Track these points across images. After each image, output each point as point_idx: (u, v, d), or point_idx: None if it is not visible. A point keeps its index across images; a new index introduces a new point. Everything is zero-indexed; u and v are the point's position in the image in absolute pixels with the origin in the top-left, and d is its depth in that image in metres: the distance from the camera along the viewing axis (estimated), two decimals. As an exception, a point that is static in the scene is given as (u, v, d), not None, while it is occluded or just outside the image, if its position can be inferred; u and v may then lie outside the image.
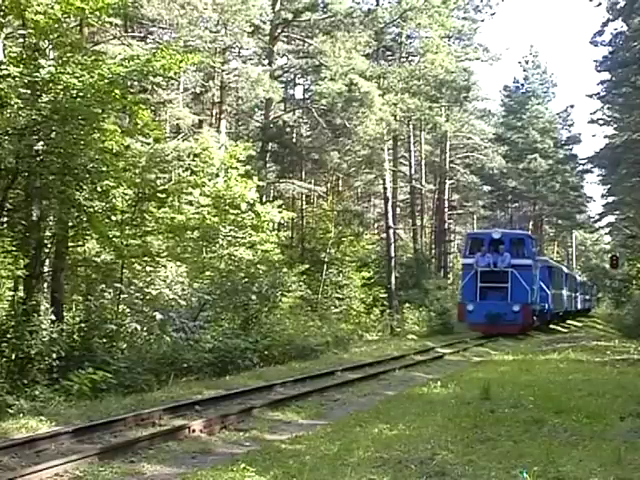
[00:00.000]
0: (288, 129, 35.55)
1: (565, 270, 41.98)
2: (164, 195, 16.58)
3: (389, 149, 35.64)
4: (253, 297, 18.28)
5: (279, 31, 30.75)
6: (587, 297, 55.51)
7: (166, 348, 14.41)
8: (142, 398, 10.31)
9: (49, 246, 13.90)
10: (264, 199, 25.26)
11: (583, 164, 57.21)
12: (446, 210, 46.01)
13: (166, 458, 6.95)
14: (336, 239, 29.46)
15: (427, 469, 6.03)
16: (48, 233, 13.77)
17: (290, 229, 34.80)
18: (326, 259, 28.76)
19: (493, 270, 25.24)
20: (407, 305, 31.51)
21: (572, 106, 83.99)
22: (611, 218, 55.30)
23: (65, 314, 14.44)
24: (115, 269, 15.82)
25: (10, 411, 9.25)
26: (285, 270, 21.78)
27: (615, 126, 46.32)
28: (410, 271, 36.87)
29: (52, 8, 12.03)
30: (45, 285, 15.58)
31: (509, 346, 21.95)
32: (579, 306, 47.90)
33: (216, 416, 8.89)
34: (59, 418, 8.60)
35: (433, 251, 46.76)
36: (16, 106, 11.79)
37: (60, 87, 11.81)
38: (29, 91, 11.85)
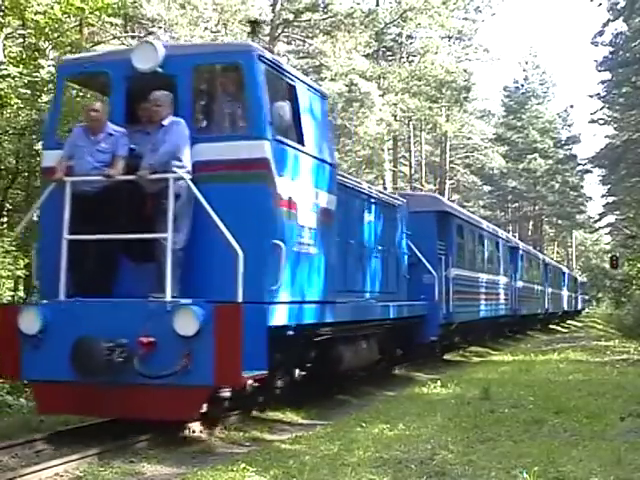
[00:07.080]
0: (288, 129, 35.56)
1: (520, 246, 26.00)
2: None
3: (389, 149, 35.65)
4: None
5: (279, 31, 30.78)
6: (573, 294, 45.82)
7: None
8: (142, 398, 10.27)
9: (49, 246, 13.89)
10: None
11: (583, 164, 57.31)
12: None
13: (166, 458, 6.93)
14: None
15: (427, 469, 6.01)
16: (48, 233, 13.76)
17: (290, 229, 34.78)
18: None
19: (124, 183, 7.05)
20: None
21: (572, 106, 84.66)
22: (611, 218, 55.31)
23: (65, 314, 14.42)
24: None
25: (10, 411, 9.24)
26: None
27: (615, 126, 46.39)
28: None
29: (52, 8, 12.08)
30: (45, 285, 15.58)
31: (509, 346, 21.96)
32: (563, 306, 38.67)
33: (216, 416, 8.86)
34: (59, 418, 8.59)
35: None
36: (16, 106, 11.80)
37: (60, 87, 11.81)
38: (29, 91, 11.86)
